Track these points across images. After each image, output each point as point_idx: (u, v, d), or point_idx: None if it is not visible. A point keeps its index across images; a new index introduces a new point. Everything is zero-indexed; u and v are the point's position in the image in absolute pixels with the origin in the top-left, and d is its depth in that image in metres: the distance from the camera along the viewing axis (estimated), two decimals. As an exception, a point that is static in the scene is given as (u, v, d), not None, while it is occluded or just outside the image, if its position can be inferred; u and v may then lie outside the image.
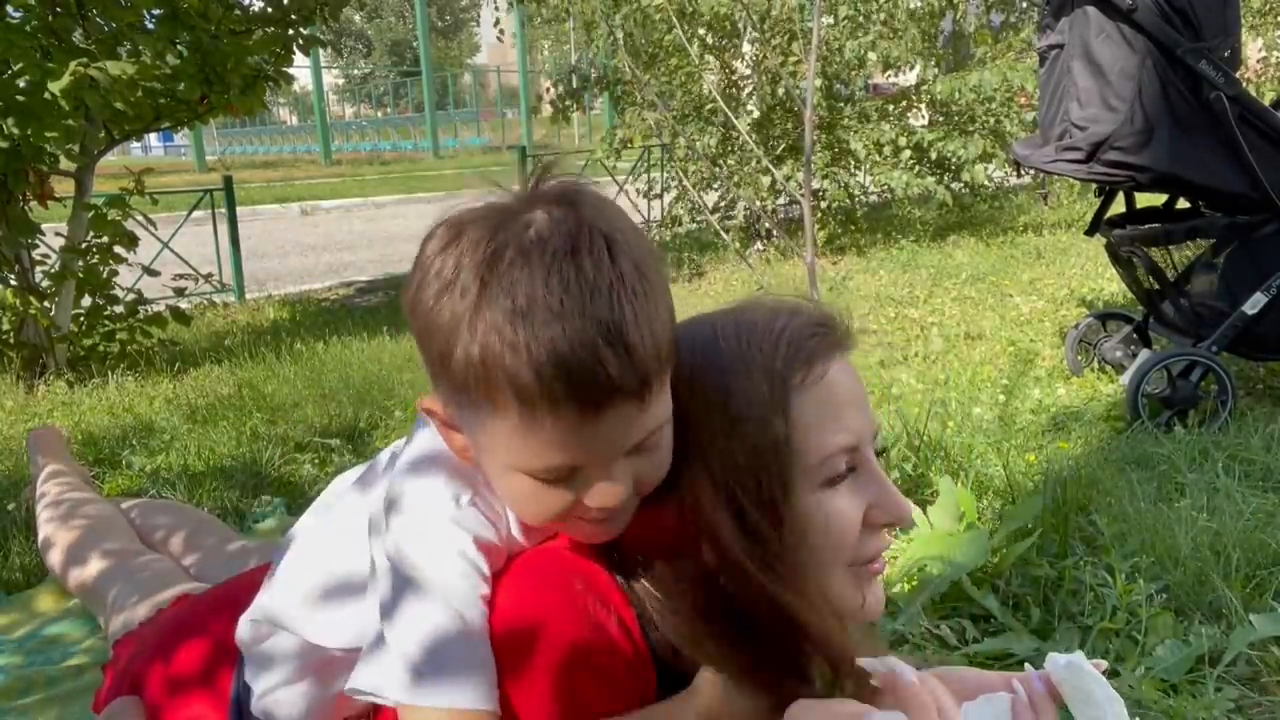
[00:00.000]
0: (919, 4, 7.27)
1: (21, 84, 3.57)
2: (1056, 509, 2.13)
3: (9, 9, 3.59)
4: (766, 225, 6.64)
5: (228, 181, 6.17)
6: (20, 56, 3.47)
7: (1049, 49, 3.11)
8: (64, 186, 4.12)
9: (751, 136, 6.84)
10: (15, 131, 3.54)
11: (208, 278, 5.04)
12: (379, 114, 35.42)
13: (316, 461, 2.97)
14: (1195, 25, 2.76)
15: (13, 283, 3.88)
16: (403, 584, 0.90)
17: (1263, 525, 2.07)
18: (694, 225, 7.44)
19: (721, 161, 6.96)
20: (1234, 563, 1.92)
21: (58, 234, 4.10)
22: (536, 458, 0.84)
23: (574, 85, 7.75)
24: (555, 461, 0.84)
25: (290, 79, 4.46)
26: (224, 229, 6.09)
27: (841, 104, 7.20)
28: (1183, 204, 3.28)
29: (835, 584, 0.92)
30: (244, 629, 1.15)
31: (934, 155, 6.90)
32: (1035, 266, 5.76)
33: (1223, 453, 2.56)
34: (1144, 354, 3.29)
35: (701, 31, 7.00)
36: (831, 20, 6.76)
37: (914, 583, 1.97)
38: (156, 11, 3.89)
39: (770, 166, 3.26)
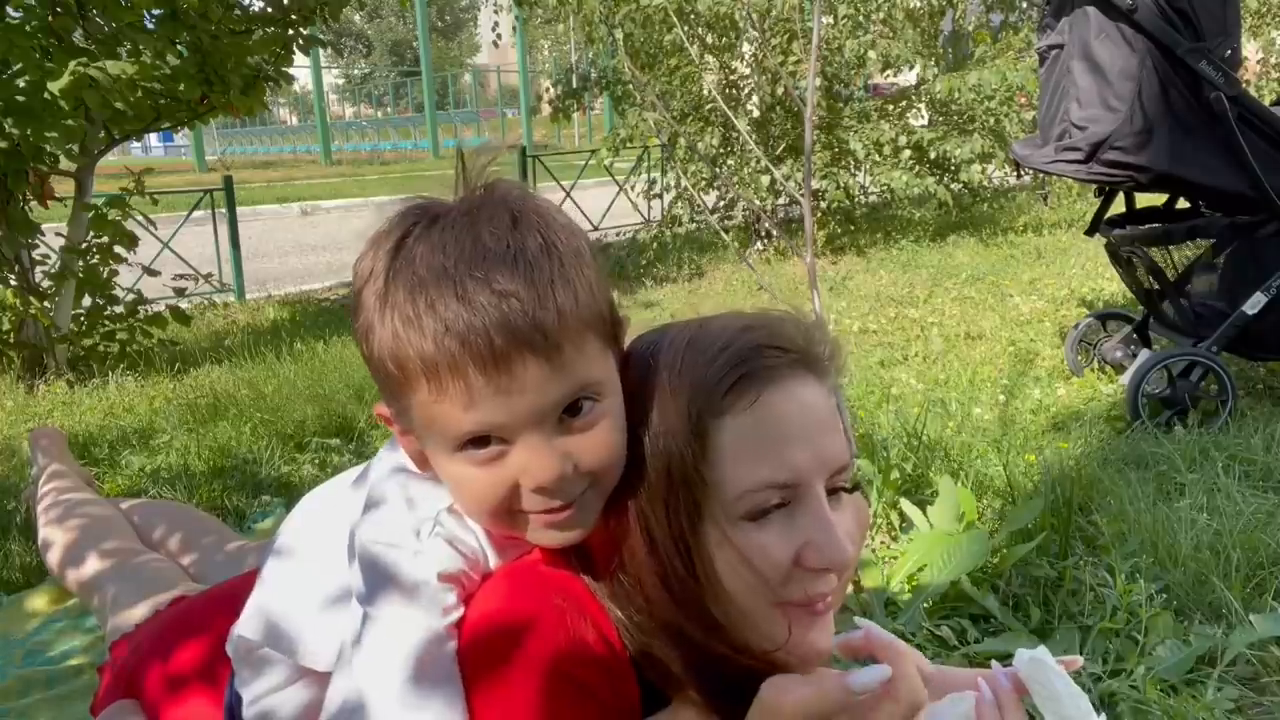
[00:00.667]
0: (919, 3, 7.28)
1: (21, 84, 3.57)
2: (1057, 509, 2.13)
3: (9, 9, 3.59)
4: (766, 225, 6.64)
5: (228, 181, 6.16)
6: (20, 56, 3.47)
7: (1049, 49, 3.11)
8: (64, 186, 4.12)
9: (752, 136, 6.84)
10: (15, 131, 3.54)
11: (208, 278, 5.04)
12: (379, 114, 35.43)
13: (316, 461, 2.97)
14: (1195, 25, 2.76)
15: (13, 283, 3.88)
16: (369, 624, 0.91)
17: (1263, 525, 2.07)
18: (694, 225, 7.44)
19: (721, 161, 6.96)
20: (1234, 563, 1.92)
21: (58, 234, 4.10)
22: (454, 425, 0.83)
23: (574, 85, 7.75)
24: (470, 426, 0.82)
25: (290, 79, 4.46)
26: (224, 229, 6.09)
27: (841, 104, 7.20)
28: (1183, 204, 3.28)
29: (760, 621, 0.85)
30: (234, 641, 1.15)
31: (933, 155, 6.90)
32: (1035, 266, 5.76)
33: (1223, 453, 2.56)
34: (1144, 354, 3.29)
35: (701, 31, 7.00)
36: (831, 20, 6.76)
37: (914, 583, 1.97)
38: (156, 11, 3.90)
39: (770, 167, 3.26)
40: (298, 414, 3.32)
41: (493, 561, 0.94)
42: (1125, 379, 3.12)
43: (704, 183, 7.04)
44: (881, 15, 6.88)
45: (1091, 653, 1.73)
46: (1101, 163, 2.85)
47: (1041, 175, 7.80)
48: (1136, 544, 2.02)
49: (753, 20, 6.70)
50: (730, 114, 3.11)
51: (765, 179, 6.71)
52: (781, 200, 7.33)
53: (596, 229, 7.74)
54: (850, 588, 1.97)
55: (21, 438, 3.19)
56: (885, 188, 7.08)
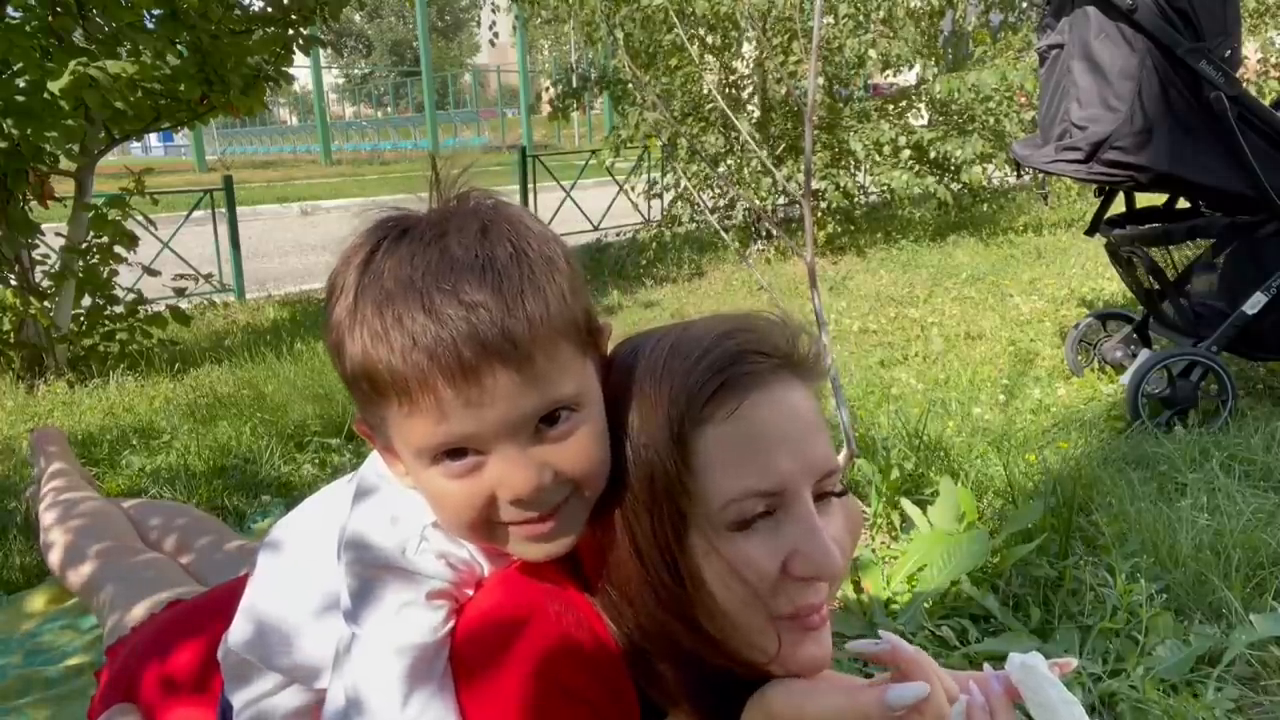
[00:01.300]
0: (919, 3, 7.27)
1: (21, 84, 3.57)
2: (1057, 509, 2.13)
3: (9, 9, 3.59)
4: (766, 225, 6.64)
5: (228, 181, 6.17)
6: (20, 56, 3.47)
7: (1049, 49, 3.11)
8: (64, 186, 4.12)
9: (754, 137, 6.84)
10: (15, 132, 3.54)
11: (208, 278, 5.04)
12: (379, 114, 35.41)
13: (316, 462, 2.98)
14: (1195, 25, 2.76)
15: (13, 283, 3.88)
16: (358, 644, 0.90)
17: (1263, 525, 2.07)
18: (694, 225, 7.44)
19: (722, 161, 6.96)
20: (1234, 563, 1.92)
21: (58, 234, 4.10)
22: (427, 438, 0.82)
23: (574, 85, 7.75)
24: (442, 439, 0.81)
25: (290, 79, 4.46)
26: (224, 229, 6.09)
27: (841, 104, 7.20)
28: (1183, 204, 3.28)
29: (751, 633, 0.84)
30: (224, 653, 1.14)
31: (933, 155, 6.90)
32: (1035, 266, 5.76)
33: (1223, 453, 2.56)
34: (1144, 354, 3.29)
35: (701, 32, 7.00)
36: (831, 19, 6.76)
37: (914, 583, 1.97)
38: (156, 11, 3.90)
39: (770, 167, 3.26)
40: (298, 414, 3.32)
41: (485, 570, 0.93)
42: (1125, 379, 3.12)
43: (704, 183, 7.04)
44: (881, 15, 6.88)
45: (1091, 653, 1.73)
46: (1102, 162, 2.85)
47: (1041, 175, 7.80)
48: (1137, 544, 2.02)
49: (753, 20, 6.70)
50: (730, 114, 3.10)
51: (765, 179, 6.71)
52: (781, 200, 7.33)
53: (596, 229, 7.74)
54: (850, 588, 1.98)
55: (21, 438, 3.19)
56: (885, 188, 7.09)
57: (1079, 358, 3.56)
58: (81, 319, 4.19)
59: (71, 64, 3.38)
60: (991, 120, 7.19)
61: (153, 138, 24.55)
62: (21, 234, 3.80)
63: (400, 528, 0.91)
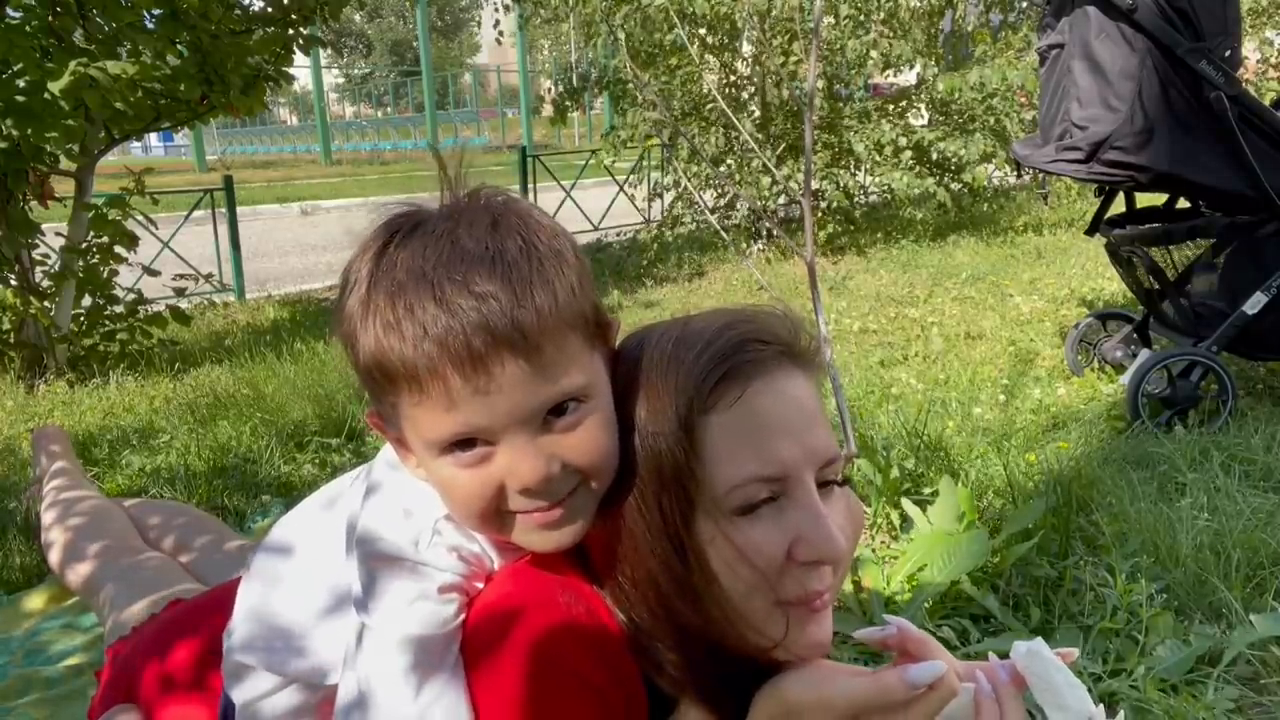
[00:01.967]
0: (919, 3, 7.27)
1: (21, 84, 3.57)
2: (1057, 509, 2.13)
3: (9, 9, 3.59)
4: (766, 225, 6.64)
5: (228, 181, 6.17)
6: (20, 56, 3.47)
7: (1049, 49, 3.11)
8: (64, 186, 4.12)
9: (755, 137, 6.84)
10: (15, 132, 3.54)
11: (208, 278, 5.04)
12: (379, 114, 35.42)
13: (316, 462, 2.98)
14: (1195, 25, 2.76)
15: (13, 283, 3.88)
16: (370, 635, 0.90)
17: (1263, 525, 2.07)
18: (694, 225, 7.44)
19: (722, 161, 6.96)
20: (1234, 563, 1.91)
21: (58, 234, 4.10)
22: (436, 428, 0.83)
23: (574, 85, 7.75)
24: (453, 428, 0.82)
25: (290, 79, 4.46)
26: (224, 229, 6.10)
27: (842, 104, 7.20)
28: (1183, 204, 3.28)
29: (758, 618, 0.85)
30: (226, 656, 1.13)
31: (934, 155, 6.90)
32: (1035, 266, 5.76)
33: (1223, 453, 2.56)
34: (1144, 354, 3.29)
35: (702, 32, 7.00)
36: (832, 20, 6.76)
37: (914, 583, 1.97)
38: (156, 11, 3.90)
39: (770, 167, 3.26)
40: (298, 414, 3.32)
41: (496, 563, 0.94)
42: (1125, 379, 3.12)
43: (704, 183, 7.04)
44: (882, 15, 6.88)
45: (1092, 653, 1.73)
46: (1102, 162, 2.85)
47: (1042, 175, 7.80)
48: (1137, 544, 2.02)
49: (753, 21, 6.70)
50: (731, 114, 3.10)
51: (766, 179, 6.71)
52: (782, 200, 7.33)
53: (596, 229, 7.74)
54: (851, 587, 1.98)
55: (21, 438, 3.19)
56: (886, 188, 7.09)
57: (1079, 358, 3.56)
58: (81, 319, 4.19)
59: (71, 64, 3.38)
60: (992, 120, 7.19)
61: (153, 138, 24.55)
62: (21, 234, 3.80)
63: (413, 521, 0.92)
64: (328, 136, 22.98)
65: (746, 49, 7.28)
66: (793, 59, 6.94)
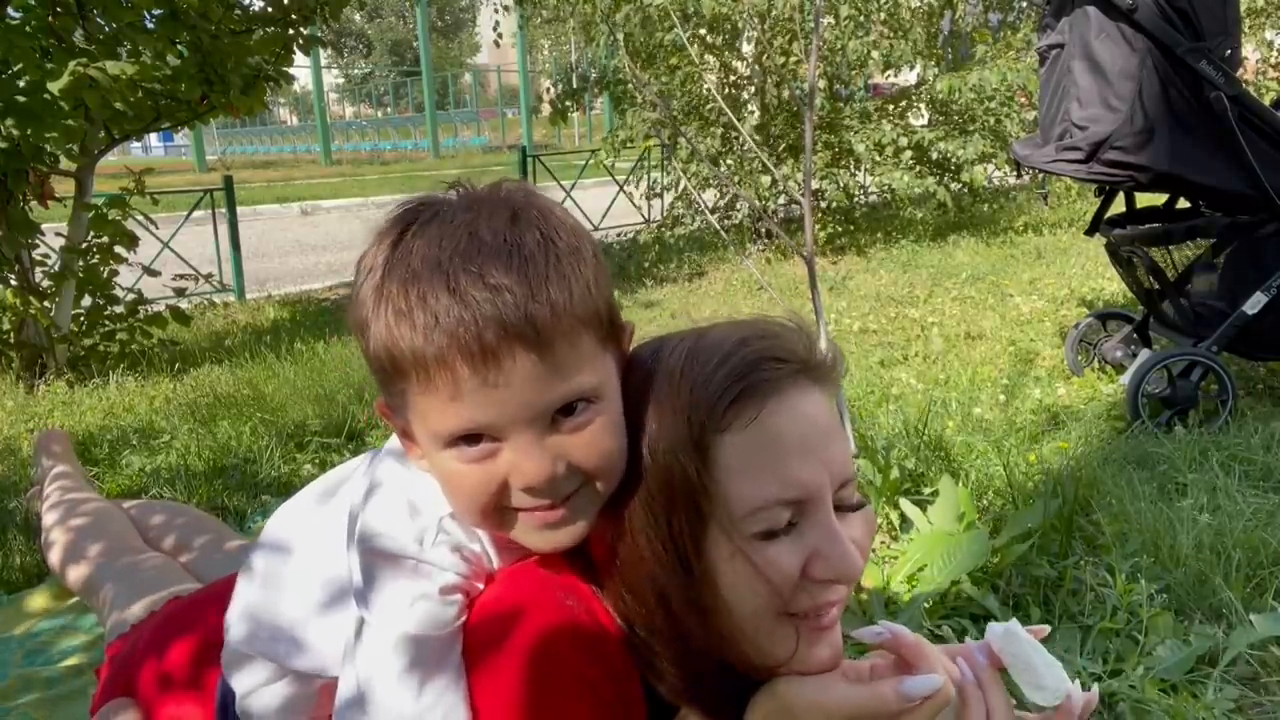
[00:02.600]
0: (919, 3, 7.27)
1: (21, 84, 3.57)
2: (1057, 509, 2.13)
3: (9, 9, 3.59)
4: (766, 225, 6.64)
5: (228, 181, 6.17)
6: (20, 56, 3.47)
7: (1049, 49, 3.11)
8: (64, 186, 4.12)
9: (754, 137, 6.84)
10: (15, 132, 3.54)
11: (208, 278, 5.04)
12: (379, 114, 35.42)
13: (316, 462, 2.97)
14: (1195, 25, 2.76)
15: (13, 283, 3.88)
16: (369, 630, 0.90)
17: (1263, 525, 2.07)
18: (694, 225, 7.44)
19: (722, 161, 6.96)
20: (1234, 563, 1.91)
21: (58, 234, 4.10)
22: (443, 420, 0.82)
23: (574, 85, 7.75)
24: (460, 422, 0.82)
25: (290, 79, 4.46)
26: (224, 229, 6.10)
27: (842, 104, 7.20)
28: (1183, 204, 3.28)
29: (766, 635, 0.84)
30: (225, 647, 1.13)
31: (934, 155, 6.90)
32: (1035, 266, 5.76)
33: (1223, 453, 2.56)
34: (1144, 354, 3.29)
35: (702, 32, 7.00)
36: (833, 20, 6.76)
37: (914, 583, 1.97)
38: (156, 11, 3.90)
39: (770, 167, 3.25)
40: (298, 414, 3.32)
41: (497, 564, 0.93)
42: (1125, 379, 3.12)
43: (704, 183, 7.04)
44: (882, 16, 6.88)
45: (1091, 652, 1.73)
46: (1102, 162, 2.85)
47: (1042, 175, 7.80)
48: (1137, 544, 2.02)
49: (753, 22, 6.70)
50: (731, 114, 3.10)
51: (766, 179, 6.71)
52: (782, 200, 7.33)
53: (596, 229, 7.74)
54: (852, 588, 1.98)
55: (21, 438, 3.19)
56: (886, 188, 7.09)
57: (1079, 358, 3.56)
58: (81, 319, 4.19)
59: (71, 64, 3.38)
60: (992, 120, 7.19)
61: (153, 138, 24.55)
62: (21, 234, 3.80)
63: (418, 519, 0.92)
64: (328, 136, 22.98)
65: (747, 49, 7.28)
66: (793, 59, 6.94)
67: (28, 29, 3.57)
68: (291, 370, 3.94)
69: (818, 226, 6.73)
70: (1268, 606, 1.81)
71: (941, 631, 1.81)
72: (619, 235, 7.66)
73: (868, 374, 3.66)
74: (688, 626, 0.85)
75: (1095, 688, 0.89)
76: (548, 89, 8.32)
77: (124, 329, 4.28)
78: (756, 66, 7.18)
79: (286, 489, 2.78)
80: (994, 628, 0.86)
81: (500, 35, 8.81)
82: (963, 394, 3.31)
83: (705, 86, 6.93)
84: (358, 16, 45.24)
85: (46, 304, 3.88)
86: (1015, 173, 8.66)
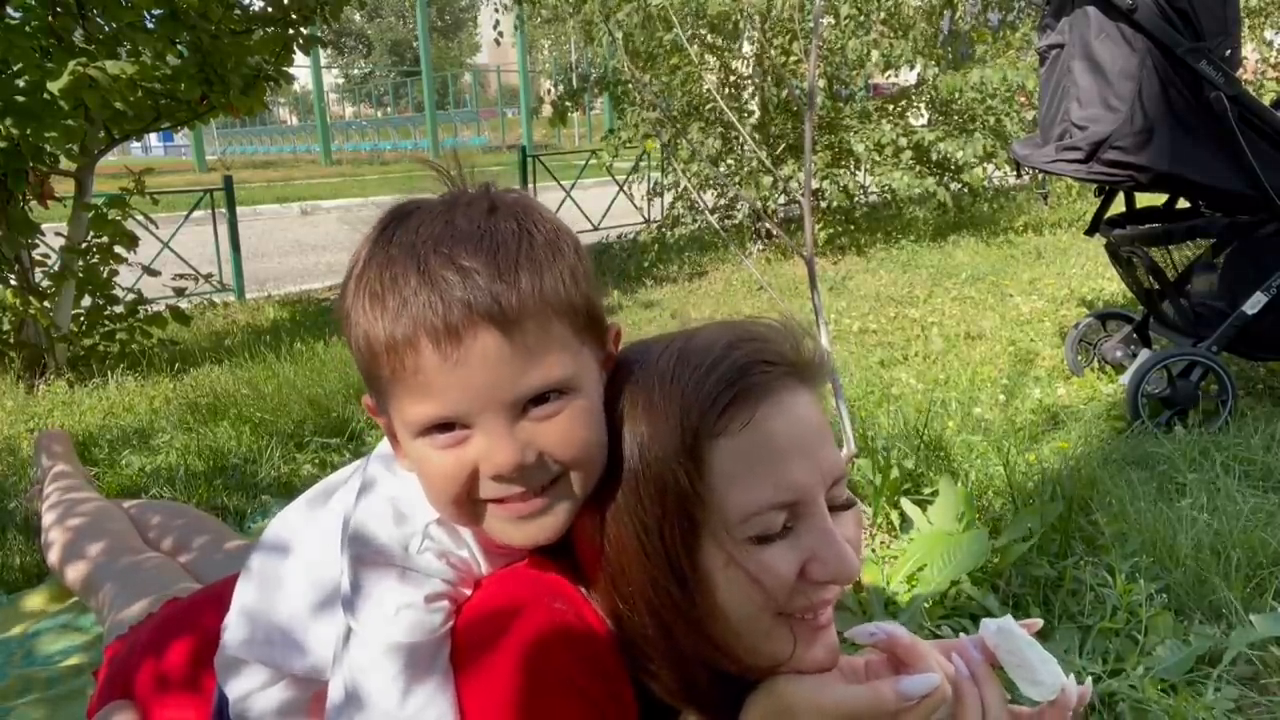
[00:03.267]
0: (919, 2, 7.27)
1: (21, 84, 3.57)
2: (1057, 509, 2.12)
3: (9, 9, 3.59)
4: (766, 225, 6.64)
5: (228, 181, 6.17)
6: (20, 57, 3.47)
7: (1049, 49, 3.11)
8: (64, 186, 4.12)
9: (754, 137, 6.84)
10: (15, 131, 3.53)
11: (208, 278, 5.04)
12: (379, 114, 35.41)
13: (316, 462, 2.97)
14: (1195, 25, 2.76)
15: (13, 283, 3.88)
16: (356, 639, 0.90)
17: (1263, 525, 2.07)
18: (694, 225, 7.44)
19: (722, 161, 6.96)
20: (1234, 563, 1.91)
21: (58, 234, 4.10)
22: (415, 407, 0.83)
23: (574, 85, 7.74)
24: (430, 408, 0.82)
25: (290, 79, 4.46)
26: (224, 229, 6.10)
27: (842, 103, 7.20)
28: (1183, 204, 3.28)
29: (762, 638, 0.85)
30: (220, 650, 1.14)
31: (934, 155, 6.90)
32: (1035, 266, 5.76)
33: (1223, 453, 2.56)
34: (1144, 354, 3.29)
35: (702, 31, 7.00)
36: (833, 20, 6.76)
37: (914, 583, 1.97)
38: (156, 11, 3.89)
39: (769, 167, 3.25)
40: (297, 414, 3.32)
41: (485, 569, 0.93)
42: (1125, 379, 3.12)
43: (704, 183, 7.03)
44: (882, 16, 6.88)
45: (1091, 653, 1.73)
46: (1102, 162, 2.85)
47: (1042, 175, 7.80)
48: (1137, 544, 2.02)
49: (753, 22, 6.70)
50: (730, 114, 3.10)
51: (766, 179, 6.71)
52: (782, 200, 7.33)
53: (596, 229, 7.74)
54: (851, 587, 1.98)
55: (21, 438, 3.19)
56: (886, 188, 7.09)
57: (1079, 358, 3.56)
58: (81, 319, 4.19)
59: (71, 64, 3.38)
60: (992, 120, 7.19)
61: (153, 138, 24.54)
62: (21, 234, 3.80)
63: (405, 525, 0.91)
64: (328, 136, 22.98)
65: (747, 49, 7.28)
66: (793, 59, 6.93)
67: (27, 29, 3.57)
68: (291, 370, 3.94)
69: (818, 226, 6.73)
70: (1268, 606, 1.81)
71: (941, 632, 1.81)
72: (619, 235, 7.66)
73: (868, 374, 3.65)
74: (681, 631, 0.85)
75: (1089, 681, 0.90)
76: (548, 89, 8.32)
77: (124, 329, 4.28)
78: (756, 66, 7.18)
79: (286, 489, 2.78)
80: (988, 623, 0.86)
81: (500, 34, 8.81)
82: (963, 394, 3.31)
83: (705, 87, 6.93)
84: (358, 16, 45.23)
85: (46, 304, 3.88)
86: (1015, 173, 8.66)
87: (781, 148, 7.10)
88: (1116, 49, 2.81)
